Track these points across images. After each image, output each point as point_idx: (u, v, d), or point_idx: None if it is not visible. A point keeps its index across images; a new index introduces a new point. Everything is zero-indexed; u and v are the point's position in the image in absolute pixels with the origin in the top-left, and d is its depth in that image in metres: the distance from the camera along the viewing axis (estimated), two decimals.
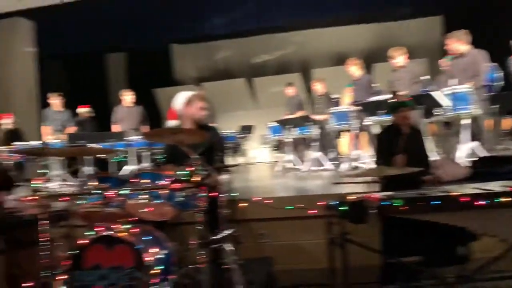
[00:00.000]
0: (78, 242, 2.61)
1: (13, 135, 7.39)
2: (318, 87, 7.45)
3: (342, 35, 12.04)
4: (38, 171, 6.74)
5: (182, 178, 2.60)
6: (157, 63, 13.64)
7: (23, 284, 3.30)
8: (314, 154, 6.92)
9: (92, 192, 2.76)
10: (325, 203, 3.17)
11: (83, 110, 8.42)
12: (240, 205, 3.31)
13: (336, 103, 7.58)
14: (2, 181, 3.79)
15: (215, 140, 3.38)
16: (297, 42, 13.06)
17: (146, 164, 7.74)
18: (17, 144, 6.96)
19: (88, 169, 6.46)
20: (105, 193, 2.65)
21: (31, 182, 2.82)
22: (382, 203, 2.50)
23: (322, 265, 3.76)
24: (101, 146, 6.60)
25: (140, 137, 7.43)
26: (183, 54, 14.08)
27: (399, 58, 5.82)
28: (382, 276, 3.13)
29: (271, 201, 3.61)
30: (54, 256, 2.92)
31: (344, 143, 7.74)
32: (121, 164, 7.61)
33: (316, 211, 3.41)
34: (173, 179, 2.76)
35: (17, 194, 3.55)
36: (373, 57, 10.40)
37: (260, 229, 3.89)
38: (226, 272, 2.87)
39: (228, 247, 2.88)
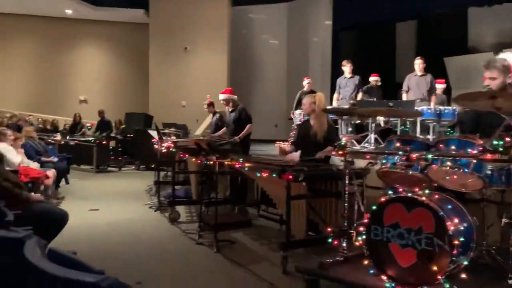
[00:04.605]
0: (379, 199, 2.71)
1: None
2: None
3: None
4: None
5: (494, 149, 2.31)
6: (449, 29, 12.64)
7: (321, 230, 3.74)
8: None
9: (395, 153, 2.80)
10: None
11: (373, 78, 8.61)
12: None
13: None
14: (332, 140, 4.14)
15: None
16: None
17: (431, 136, 7.41)
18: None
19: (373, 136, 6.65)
20: (409, 155, 2.63)
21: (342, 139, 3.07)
22: None
23: None
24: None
25: (427, 107, 7.13)
26: (481, 17, 12.53)
27: None
28: None
29: None
30: (353, 209, 3.16)
31: None
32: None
33: None
34: (483, 149, 2.50)
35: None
36: None
37: None
38: None
39: None
